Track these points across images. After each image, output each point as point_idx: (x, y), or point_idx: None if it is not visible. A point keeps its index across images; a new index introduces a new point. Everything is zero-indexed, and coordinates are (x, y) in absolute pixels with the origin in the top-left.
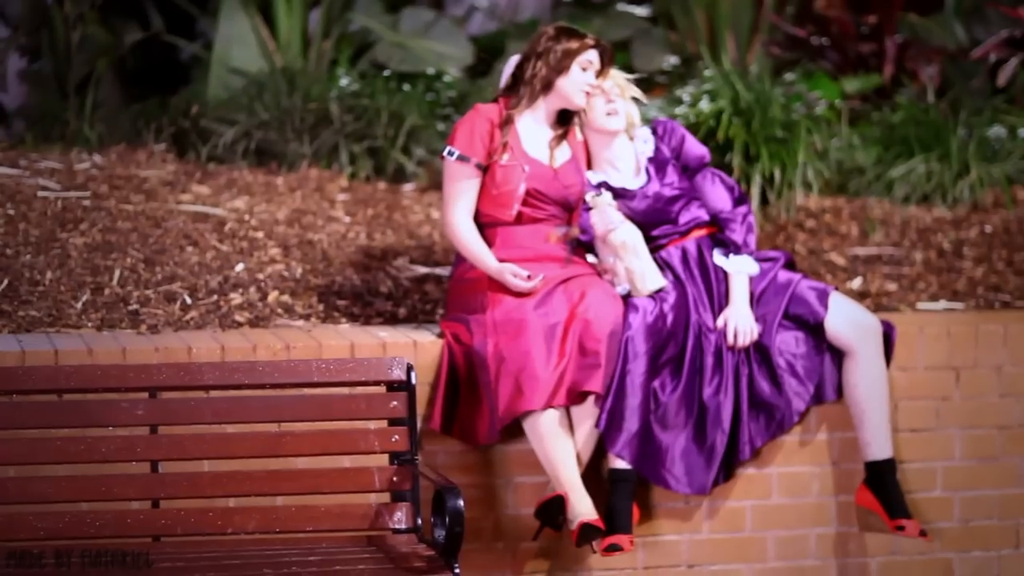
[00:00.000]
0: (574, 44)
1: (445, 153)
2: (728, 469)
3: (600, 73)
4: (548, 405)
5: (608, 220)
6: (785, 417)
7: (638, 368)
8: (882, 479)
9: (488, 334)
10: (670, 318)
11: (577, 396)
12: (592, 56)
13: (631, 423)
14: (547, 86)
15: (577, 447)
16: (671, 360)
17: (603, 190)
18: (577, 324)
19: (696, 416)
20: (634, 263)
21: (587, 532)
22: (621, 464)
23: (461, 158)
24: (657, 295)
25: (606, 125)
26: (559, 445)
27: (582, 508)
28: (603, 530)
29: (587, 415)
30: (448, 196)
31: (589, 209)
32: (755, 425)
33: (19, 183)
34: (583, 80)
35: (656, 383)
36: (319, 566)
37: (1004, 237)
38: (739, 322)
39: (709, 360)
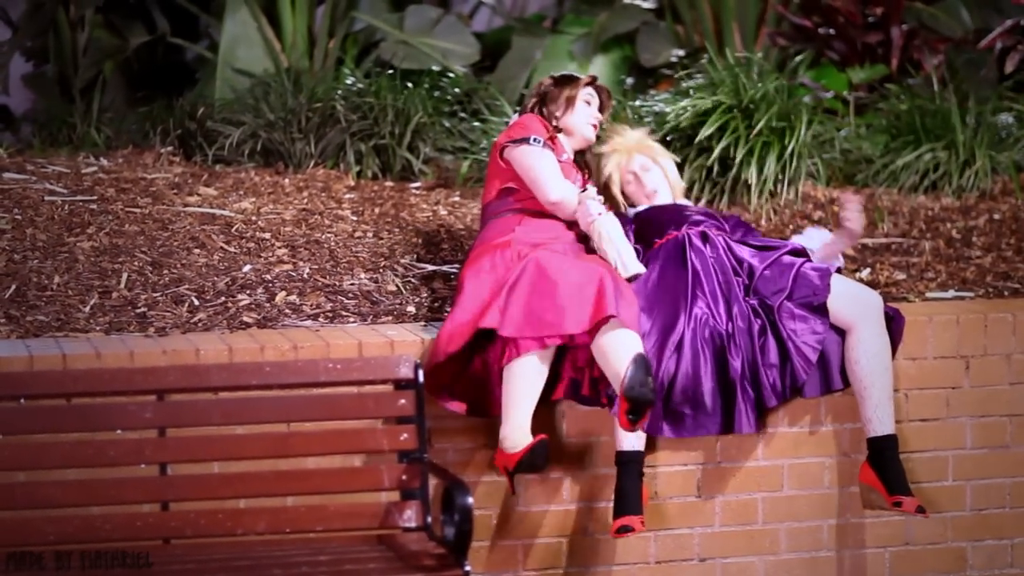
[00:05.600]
0: (574, 84)
1: (531, 141)
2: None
3: (601, 108)
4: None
5: (588, 212)
6: (796, 373)
7: (648, 345)
8: (883, 456)
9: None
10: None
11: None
12: (590, 92)
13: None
14: (557, 127)
15: None
16: (677, 334)
17: (589, 186)
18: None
19: (716, 373)
20: (610, 250)
21: (538, 447)
22: (628, 446)
23: (546, 144)
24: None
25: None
26: (535, 385)
27: (524, 435)
28: (545, 450)
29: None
30: (541, 173)
31: None
32: (772, 376)
33: (26, 188)
34: (588, 114)
35: (668, 355)
36: (329, 566)
37: (1012, 225)
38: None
39: (722, 328)
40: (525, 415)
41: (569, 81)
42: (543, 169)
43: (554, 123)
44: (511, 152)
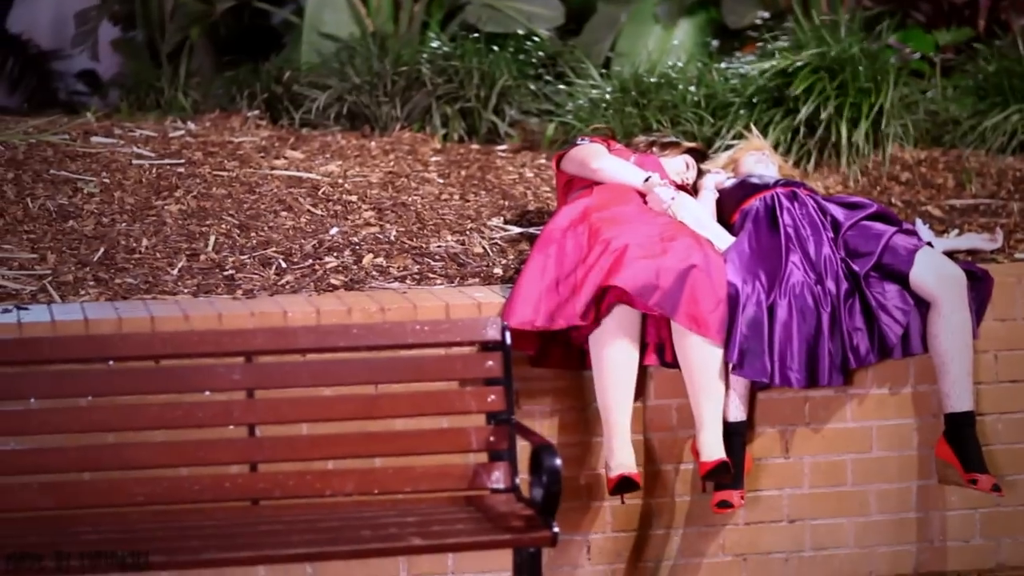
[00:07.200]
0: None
1: (578, 141)
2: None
3: (699, 172)
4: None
5: (660, 200)
6: (885, 338)
7: (750, 306)
8: (960, 432)
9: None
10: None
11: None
12: (691, 161)
13: (751, 342)
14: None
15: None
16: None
17: (652, 173)
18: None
19: (805, 329)
20: (696, 231)
21: (624, 485)
22: (732, 417)
23: (593, 140)
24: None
25: (753, 170)
26: (627, 367)
27: (624, 458)
28: (640, 485)
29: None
30: (586, 151)
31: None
32: (858, 339)
33: (114, 152)
34: (681, 170)
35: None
36: (418, 527)
37: None
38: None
39: (810, 289)
40: (625, 427)
41: (676, 144)
42: (588, 148)
43: (651, 151)
44: (564, 157)
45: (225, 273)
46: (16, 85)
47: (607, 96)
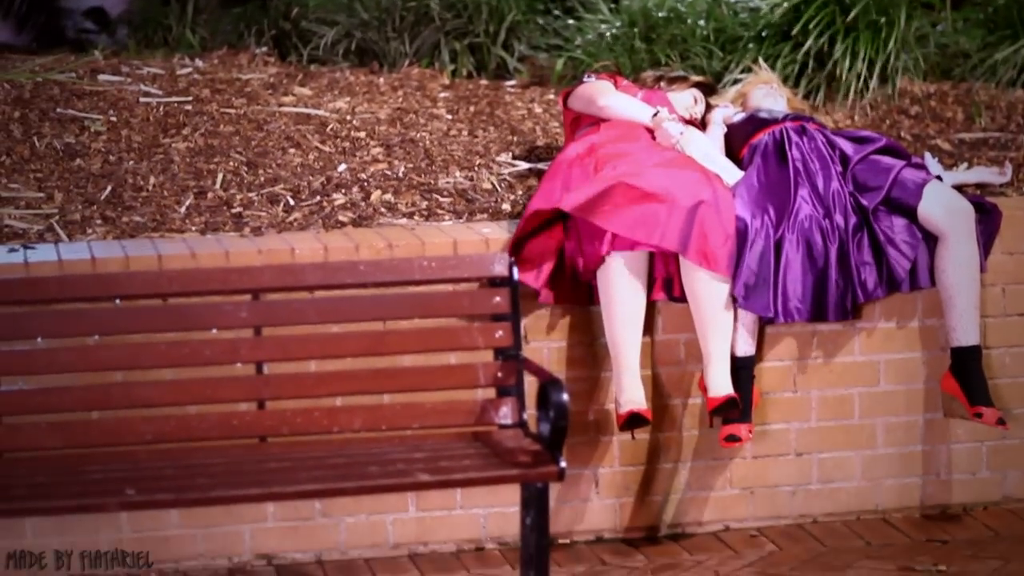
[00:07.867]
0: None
1: (584, 78)
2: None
3: (707, 106)
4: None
5: (669, 135)
6: (893, 272)
7: (759, 241)
8: (966, 366)
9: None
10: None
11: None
12: (699, 94)
13: (758, 276)
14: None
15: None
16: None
17: (661, 108)
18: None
19: (812, 263)
20: (707, 167)
21: (634, 421)
22: (741, 352)
23: (600, 77)
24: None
25: (762, 104)
26: (628, 302)
27: (633, 395)
28: (650, 421)
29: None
30: (592, 89)
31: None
32: (866, 273)
33: (121, 89)
34: (689, 105)
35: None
36: (425, 463)
37: None
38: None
39: (817, 225)
40: (634, 363)
41: (684, 78)
42: (595, 86)
43: (658, 86)
44: (571, 94)
45: (233, 211)
46: (24, 23)
47: (616, 31)
